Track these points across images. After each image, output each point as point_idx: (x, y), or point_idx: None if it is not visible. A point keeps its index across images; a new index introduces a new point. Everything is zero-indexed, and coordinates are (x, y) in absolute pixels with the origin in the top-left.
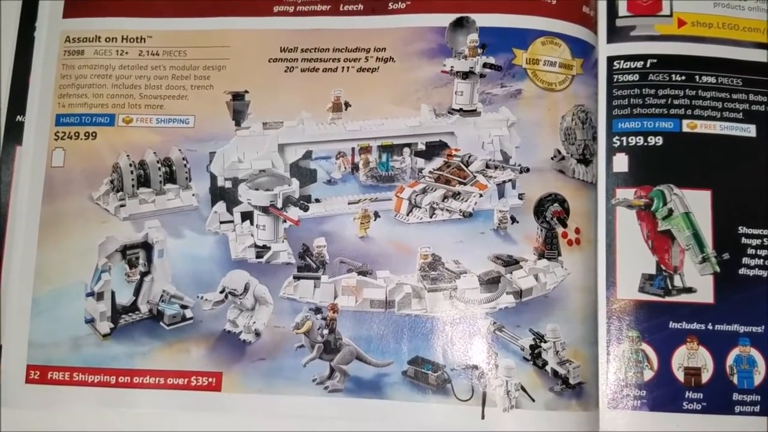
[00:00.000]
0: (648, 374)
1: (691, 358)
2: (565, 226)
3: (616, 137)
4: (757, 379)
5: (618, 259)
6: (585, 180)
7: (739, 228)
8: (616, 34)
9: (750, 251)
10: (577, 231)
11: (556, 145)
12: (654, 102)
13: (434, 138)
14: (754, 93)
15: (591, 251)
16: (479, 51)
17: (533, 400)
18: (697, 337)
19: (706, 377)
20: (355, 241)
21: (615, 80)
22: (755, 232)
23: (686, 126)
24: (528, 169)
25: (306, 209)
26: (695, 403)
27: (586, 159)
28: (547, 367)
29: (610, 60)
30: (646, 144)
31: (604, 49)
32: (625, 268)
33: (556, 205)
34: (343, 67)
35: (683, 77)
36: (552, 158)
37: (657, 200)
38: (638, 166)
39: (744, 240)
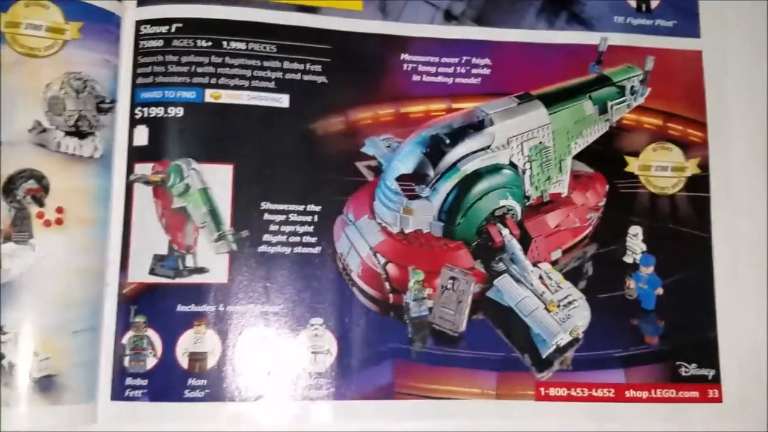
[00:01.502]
0: (151, 362)
1: (197, 342)
2: (41, 205)
3: (138, 108)
4: None
5: (132, 240)
6: (79, 154)
7: (263, 204)
8: None
9: (273, 228)
10: (59, 210)
11: (38, 116)
12: (177, 70)
13: None
14: (290, 60)
15: (82, 232)
16: None
17: None
18: (205, 320)
19: (212, 362)
20: None
21: (141, 46)
22: (279, 207)
23: (209, 96)
24: None
25: None
26: (198, 391)
27: (81, 131)
28: (5, 361)
29: (139, 24)
30: (166, 115)
31: (133, 13)
32: (138, 250)
33: (31, 182)
34: None
35: (209, 43)
36: (31, 130)
37: (173, 176)
38: (158, 139)
39: (267, 216)
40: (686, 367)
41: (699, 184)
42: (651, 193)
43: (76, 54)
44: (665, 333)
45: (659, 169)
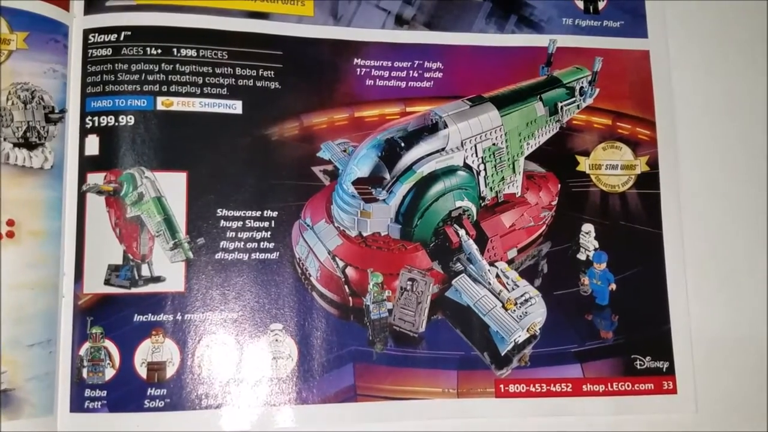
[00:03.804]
0: (110, 373)
1: (155, 352)
2: None
3: (89, 117)
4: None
5: (86, 251)
6: (29, 166)
7: (219, 210)
8: (92, 5)
9: (230, 234)
10: (11, 223)
11: None
12: (127, 78)
13: None
14: (242, 66)
15: (34, 244)
16: None
17: None
18: (162, 329)
19: (171, 371)
20: None
21: (90, 55)
22: (236, 213)
23: (161, 104)
24: None
25: None
26: (157, 400)
27: (30, 142)
28: None
29: (87, 33)
30: (117, 124)
31: (80, 22)
32: (93, 260)
33: None
34: None
35: (159, 51)
36: None
37: (126, 185)
38: (110, 148)
39: (223, 223)
40: (641, 360)
41: (649, 181)
42: (602, 191)
43: (22, 64)
44: (619, 327)
45: (609, 167)
